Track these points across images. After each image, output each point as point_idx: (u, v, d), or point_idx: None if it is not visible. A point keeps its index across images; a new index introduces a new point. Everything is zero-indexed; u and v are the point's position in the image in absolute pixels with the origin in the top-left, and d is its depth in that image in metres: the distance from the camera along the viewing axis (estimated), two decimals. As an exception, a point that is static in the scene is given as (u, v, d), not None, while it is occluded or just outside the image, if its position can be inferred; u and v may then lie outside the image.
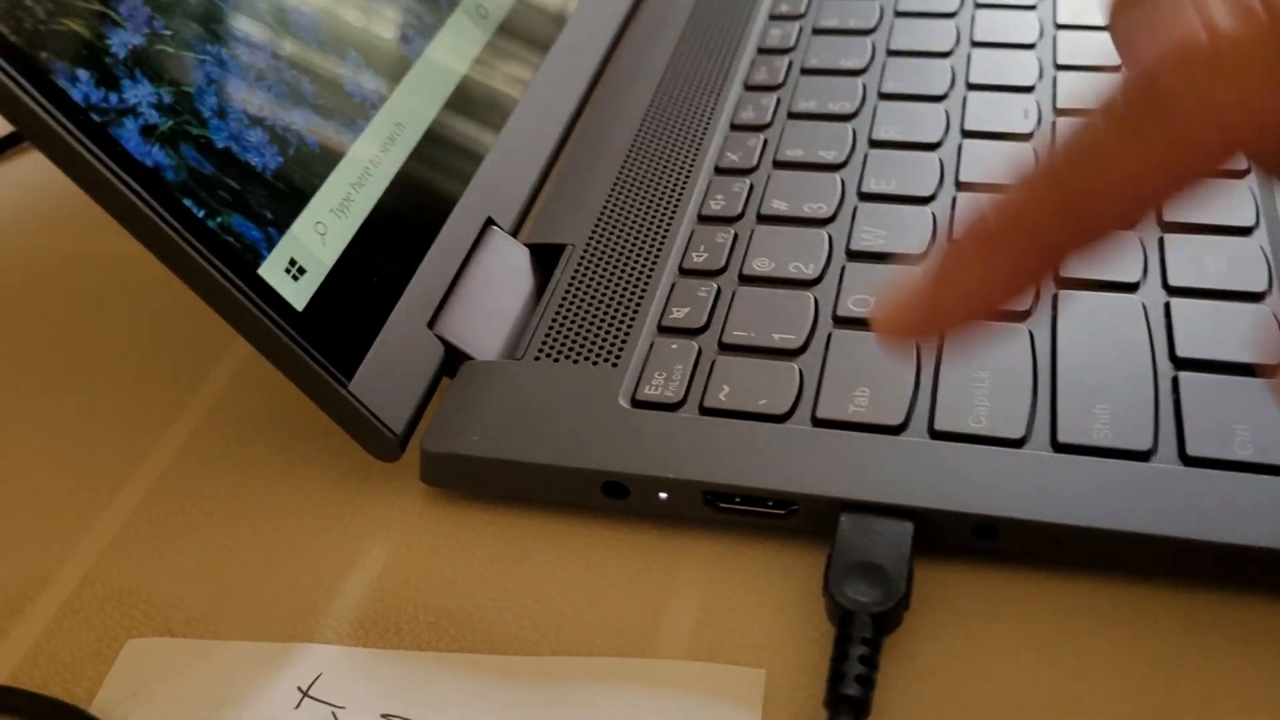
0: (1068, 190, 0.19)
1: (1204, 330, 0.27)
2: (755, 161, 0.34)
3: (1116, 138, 0.19)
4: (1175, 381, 0.26)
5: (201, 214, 0.25)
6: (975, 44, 0.37)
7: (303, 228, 0.27)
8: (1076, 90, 0.35)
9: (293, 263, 0.26)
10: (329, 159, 0.28)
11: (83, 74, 0.24)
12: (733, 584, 0.26)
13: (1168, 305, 0.28)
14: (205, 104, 0.26)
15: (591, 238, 0.32)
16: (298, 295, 0.26)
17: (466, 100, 0.34)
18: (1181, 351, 0.26)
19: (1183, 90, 0.18)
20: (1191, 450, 0.24)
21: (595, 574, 0.26)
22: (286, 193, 0.27)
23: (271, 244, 0.26)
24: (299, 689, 0.24)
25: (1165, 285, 0.28)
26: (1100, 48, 0.36)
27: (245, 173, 0.26)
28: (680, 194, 0.33)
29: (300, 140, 0.28)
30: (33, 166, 0.43)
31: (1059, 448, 0.25)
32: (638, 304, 0.30)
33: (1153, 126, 0.18)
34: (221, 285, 0.25)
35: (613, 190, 0.34)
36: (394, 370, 0.27)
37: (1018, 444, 0.25)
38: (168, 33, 0.26)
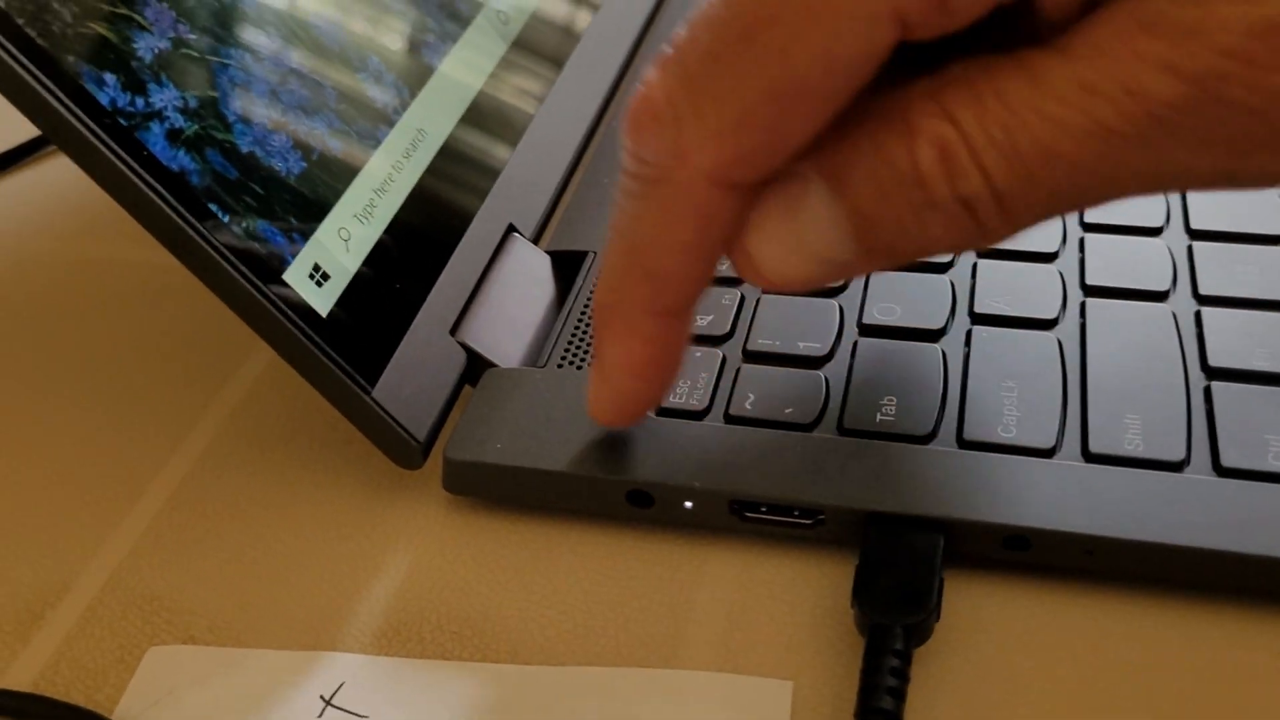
0: (628, 259, 0.21)
1: (1236, 339, 0.27)
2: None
3: (632, 205, 0.20)
4: (1208, 391, 0.26)
5: (227, 219, 0.25)
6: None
7: (327, 233, 0.27)
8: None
9: (317, 268, 0.26)
10: (352, 165, 0.28)
11: (109, 78, 0.24)
12: (759, 594, 0.25)
13: (1198, 314, 0.27)
14: (230, 109, 0.26)
15: (614, 245, 0.32)
16: (322, 301, 0.26)
17: (487, 107, 0.34)
18: (1214, 361, 0.26)
19: (645, 150, 0.20)
20: (1226, 461, 0.24)
21: (619, 583, 0.26)
22: (310, 198, 0.27)
23: (296, 250, 0.26)
24: (322, 698, 0.24)
25: (1195, 294, 0.28)
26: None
27: (269, 178, 0.26)
28: (703, 201, 0.33)
29: (323, 146, 0.28)
30: (59, 172, 0.43)
31: (1090, 458, 0.24)
32: (661, 311, 0.30)
33: (648, 189, 0.20)
34: (246, 291, 0.25)
35: (635, 197, 0.33)
36: (417, 377, 0.27)
37: (1048, 454, 0.25)
38: (192, 37, 0.26)
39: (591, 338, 0.29)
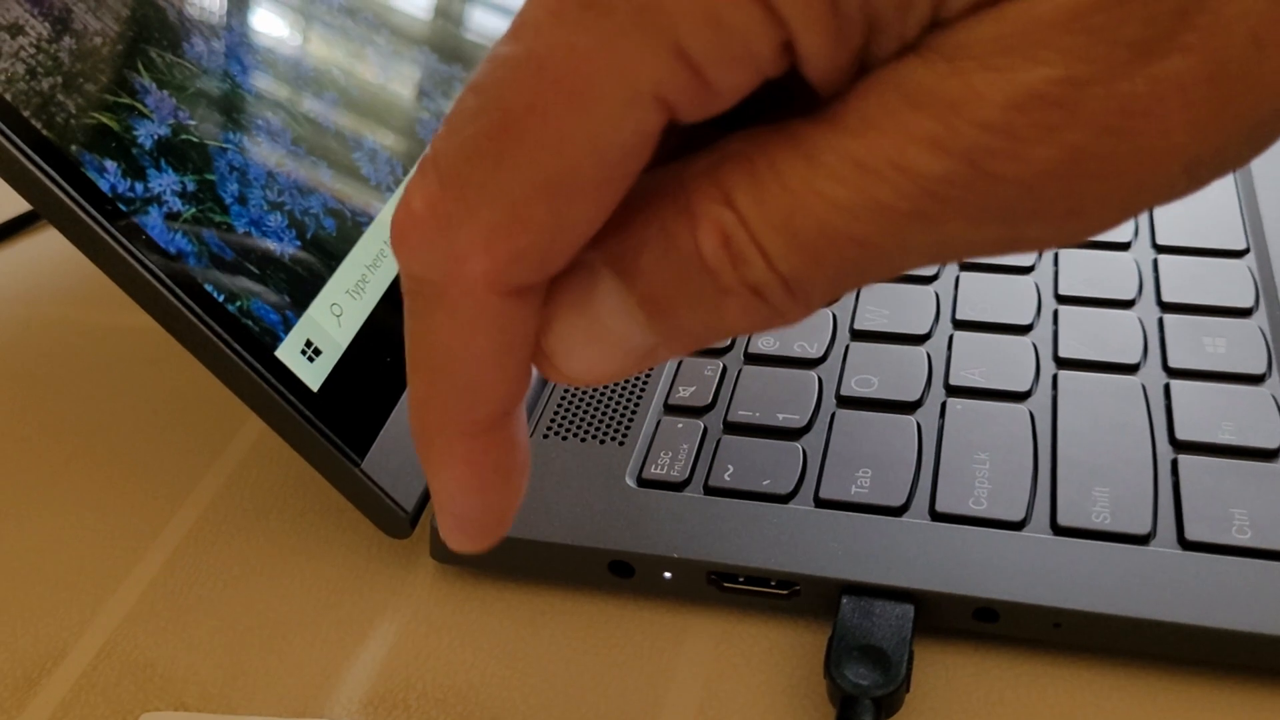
0: (429, 381, 0.19)
1: (1203, 413, 0.27)
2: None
3: (419, 324, 0.19)
4: (1174, 464, 0.26)
5: (221, 298, 0.26)
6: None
7: (319, 309, 0.28)
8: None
9: (309, 344, 0.27)
10: (345, 241, 0.29)
11: (110, 165, 0.25)
12: (736, 663, 0.26)
13: (1167, 386, 0.28)
14: (227, 191, 0.27)
15: (601, 315, 0.33)
16: (313, 376, 0.27)
17: (480, 181, 0.34)
18: (1181, 434, 0.27)
19: (415, 264, 0.18)
20: (1190, 534, 0.25)
21: (601, 652, 0.27)
22: (304, 276, 0.28)
23: (289, 326, 0.27)
24: (308, 766, 0.25)
25: (1165, 366, 0.29)
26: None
27: (265, 257, 0.27)
28: (688, 272, 0.34)
29: (318, 224, 0.29)
30: (58, 241, 0.44)
31: (1059, 530, 0.25)
32: (644, 383, 0.30)
33: (430, 305, 0.18)
34: (239, 368, 0.25)
35: (622, 268, 0.34)
36: (405, 448, 0.28)
37: (1018, 526, 0.25)
38: (192, 123, 0.27)
39: (568, 411, 0.30)
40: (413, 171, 0.18)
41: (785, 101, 0.18)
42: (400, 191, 0.18)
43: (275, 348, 0.26)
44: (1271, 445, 0.26)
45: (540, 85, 0.16)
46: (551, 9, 0.16)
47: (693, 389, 0.30)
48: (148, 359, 0.37)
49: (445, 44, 0.36)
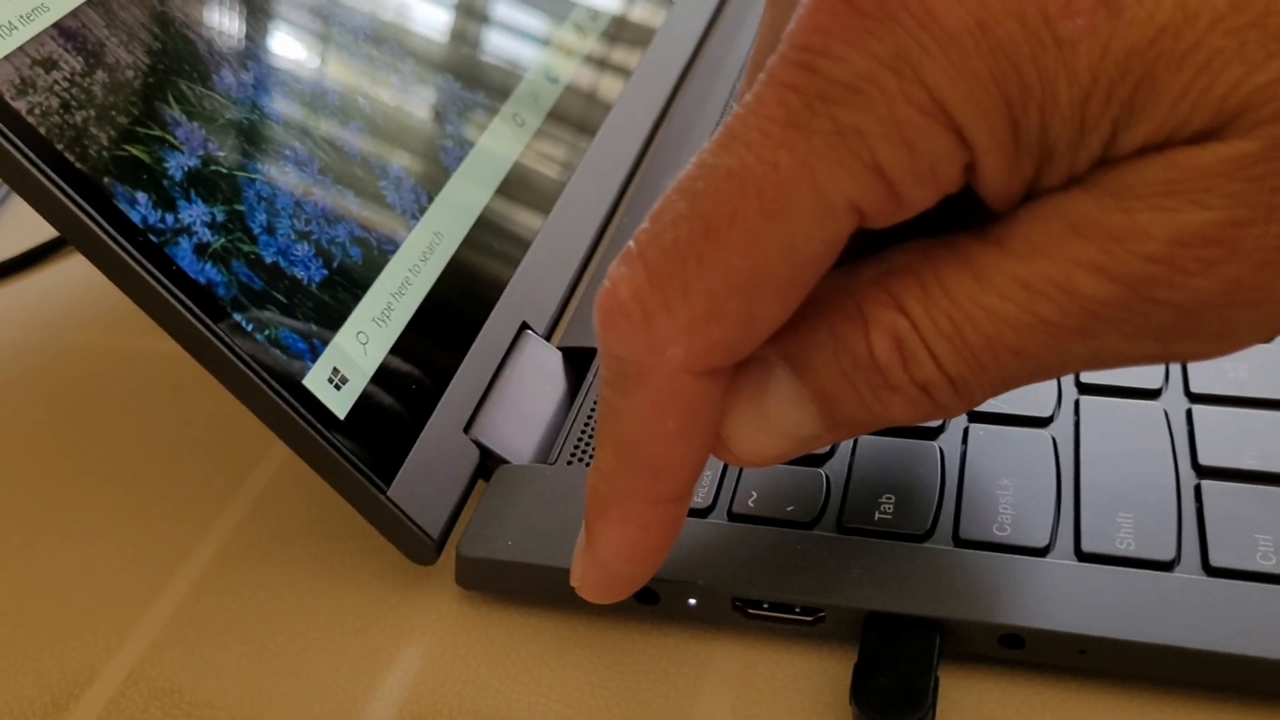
0: (620, 453, 0.21)
1: (1226, 438, 0.27)
2: (782, 265, 0.35)
3: (616, 400, 0.21)
4: (1198, 490, 0.26)
5: (250, 328, 0.26)
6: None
7: (345, 337, 0.28)
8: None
9: (335, 372, 0.27)
10: (371, 270, 0.30)
11: (141, 196, 0.25)
12: (761, 690, 0.26)
13: (1189, 412, 0.28)
14: (255, 221, 0.27)
15: (623, 341, 0.33)
16: (339, 404, 0.27)
17: (503, 208, 0.35)
18: (1204, 460, 0.27)
19: (618, 348, 0.20)
20: (1215, 561, 0.25)
21: (626, 678, 0.27)
22: (331, 304, 0.28)
23: (316, 355, 0.27)
24: (335, 793, 0.25)
25: (1187, 392, 0.29)
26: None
27: (292, 286, 0.27)
28: (709, 298, 0.34)
29: (345, 252, 0.29)
30: (86, 266, 0.44)
31: (1083, 556, 0.25)
32: (668, 408, 0.31)
33: (628, 384, 0.20)
34: (267, 396, 0.26)
35: (644, 294, 0.35)
36: (431, 475, 0.28)
37: (1042, 553, 0.25)
38: (221, 154, 0.27)
39: (593, 437, 0.30)
40: (616, 260, 0.20)
41: (945, 218, 0.20)
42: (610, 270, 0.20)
43: (303, 376, 0.27)
44: (1296, 471, 0.26)
45: (744, 197, 0.18)
46: (759, 127, 0.18)
47: (715, 415, 0.30)
48: (172, 385, 0.38)
49: (468, 71, 0.37)
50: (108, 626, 0.30)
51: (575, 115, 0.40)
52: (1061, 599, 0.24)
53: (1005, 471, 0.27)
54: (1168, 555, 0.25)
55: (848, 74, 0.18)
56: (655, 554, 0.23)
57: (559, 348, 0.34)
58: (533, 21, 0.41)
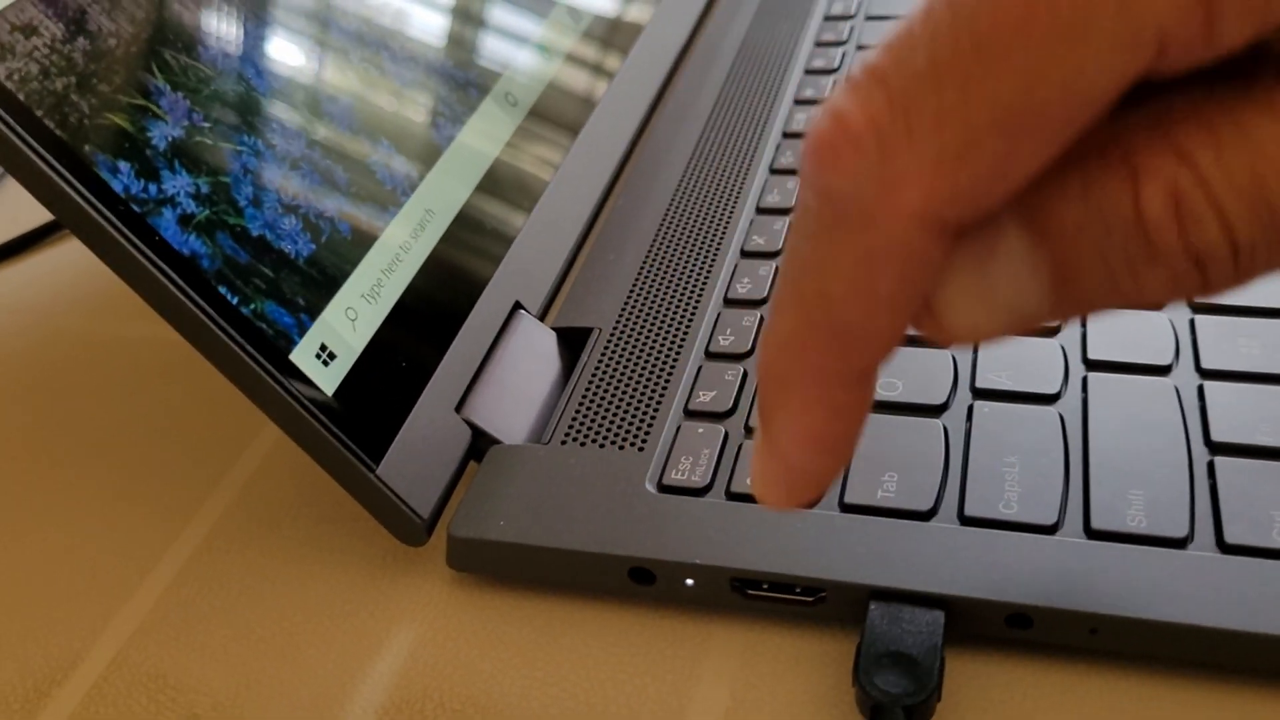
0: (811, 315, 0.18)
1: (1239, 414, 0.26)
2: (781, 244, 0.34)
3: (816, 251, 0.17)
4: (1211, 466, 0.25)
5: (235, 301, 0.25)
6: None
7: (334, 313, 0.27)
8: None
9: (323, 348, 0.27)
10: (361, 245, 0.29)
11: (124, 166, 0.24)
12: (762, 672, 0.25)
13: (1201, 388, 0.27)
14: (241, 193, 0.27)
15: (618, 321, 0.32)
16: (328, 381, 0.26)
17: (495, 185, 0.34)
18: (1217, 436, 0.26)
19: (838, 183, 0.17)
20: (1229, 538, 0.24)
21: (622, 661, 0.26)
22: (319, 279, 0.27)
23: (303, 330, 0.26)
24: (322, 778, 0.24)
25: (1198, 368, 0.28)
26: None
27: (279, 260, 0.27)
28: (707, 277, 0.33)
29: (333, 227, 0.28)
30: (79, 251, 0.44)
31: (1093, 534, 0.24)
32: (664, 387, 0.30)
33: (838, 231, 0.17)
34: (253, 371, 0.25)
35: (640, 273, 0.34)
36: (421, 455, 0.28)
37: (1050, 530, 0.25)
38: (206, 125, 0.26)
39: (587, 416, 0.29)
40: (841, 86, 0.17)
41: (1229, 76, 0.17)
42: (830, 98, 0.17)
43: (290, 351, 0.26)
44: (1311, 446, 0.25)
45: (1033, 10, 0.15)
46: None
47: (713, 393, 0.29)
48: (161, 370, 0.37)
49: (463, 46, 0.36)
50: (92, 612, 0.29)
51: (571, 94, 0.39)
52: (1071, 577, 0.24)
53: (1011, 449, 0.27)
54: (1181, 532, 0.24)
55: None
56: (845, 445, 0.19)
57: (553, 328, 0.33)
58: None
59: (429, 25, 0.35)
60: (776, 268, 0.33)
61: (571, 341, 0.33)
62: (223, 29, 0.28)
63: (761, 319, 0.32)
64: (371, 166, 0.30)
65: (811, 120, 0.17)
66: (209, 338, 0.25)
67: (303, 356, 0.26)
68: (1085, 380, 0.28)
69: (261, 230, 0.27)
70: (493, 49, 0.37)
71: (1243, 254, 0.16)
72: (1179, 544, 0.24)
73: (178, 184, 0.25)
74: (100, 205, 0.23)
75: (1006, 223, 0.17)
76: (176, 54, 0.27)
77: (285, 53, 0.29)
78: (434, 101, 0.33)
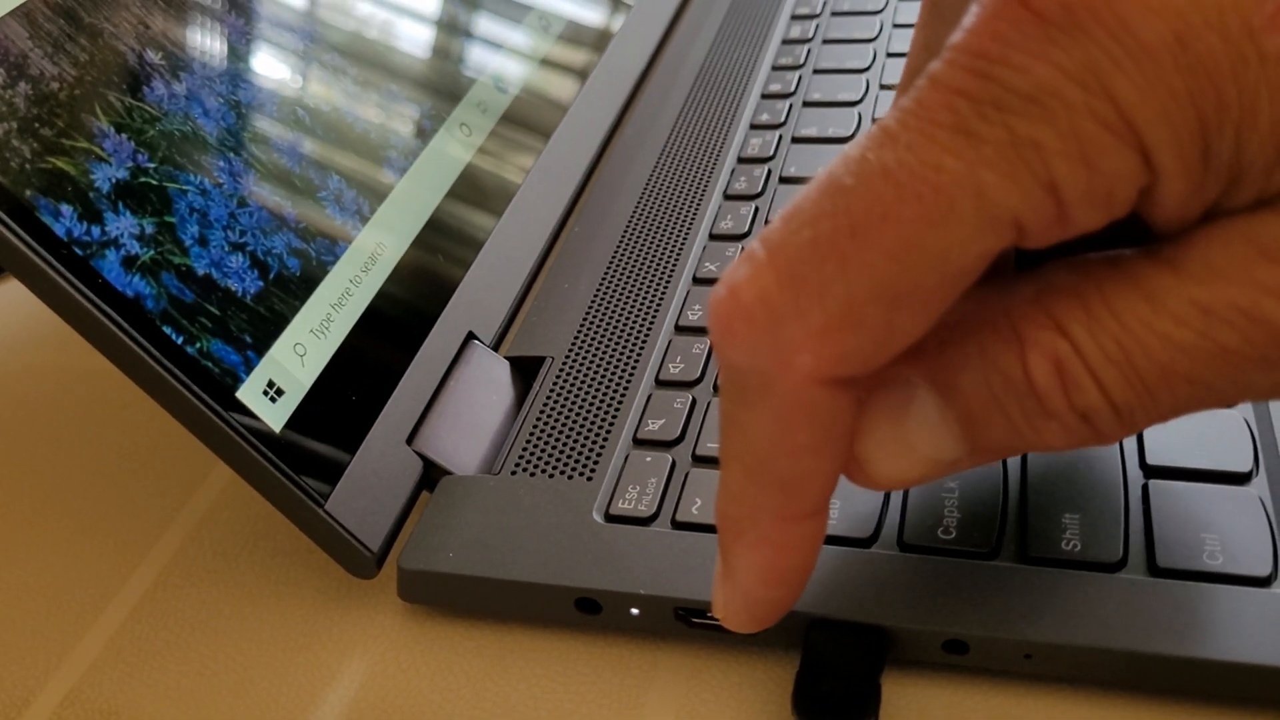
0: (749, 470, 0.20)
1: (1175, 437, 0.27)
2: (733, 271, 0.35)
3: (739, 414, 0.19)
4: (1145, 490, 0.26)
5: (180, 340, 0.26)
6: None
7: (282, 350, 0.28)
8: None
9: (271, 384, 0.27)
10: (310, 281, 0.29)
11: (66, 209, 0.25)
12: (706, 699, 0.25)
13: (1138, 411, 0.28)
14: (187, 233, 0.27)
15: (571, 350, 0.33)
16: (275, 417, 0.27)
17: (449, 217, 0.34)
18: (1152, 459, 0.26)
19: (740, 355, 0.18)
20: (1161, 561, 0.24)
21: (570, 691, 0.26)
22: (266, 316, 0.28)
23: (250, 367, 0.27)
24: (270, 814, 0.24)
25: (1136, 391, 0.28)
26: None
27: (226, 298, 0.27)
28: (659, 305, 0.34)
29: (281, 264, 0.29)
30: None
31: (1028, 559, 0.25)
32: (614, 416, 0.30)
33: (752, 397, 0.19)
34: (199, 410, 0.25)
35: (593, 301, 0.34)
36: (372, 488, 0.28)
37: (988, 556, 0.25)
38: (151, 165, 0.27)
39: (537, 447, 0.30)
40: (735, 263, 0.19)
41: (1103, 239, 0.19)
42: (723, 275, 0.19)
43: (236, 389, 0.26)
44: (1244, 468, 0.26)
45: (901, 199, 0.17)
46: (922, 130, 0.17)
47: (662, 422, 0.30)
48: (120, 403, 0.37)
49: (414, 78, 0.36)
50: (46, 649, 0.29)
51: (526, 122, 0.40)
52: (1006, 603, 0.24)
53: (952, 475, 0.27)
54: (1114, 556, 0.24)
55: (1028, 84, 0.16)
56: (798, 575, 0.21)
57: (507, 357, 0.33)
58: (484, 26, 0.41)
59: (382, 54, 0.36)
60: (727, 294, 0.34)
61: (525, 371, 0.33)
62: (168, 69, 0.28)
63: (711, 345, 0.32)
64: (322, 202, 0.31)
65: (712, 292, 0.19)
66: (154, 378, 0.25)
67: (249, 394, 0.26)
68: (1026, 404, 0.28)
69: (207, 269, 0.27)
70: (449, 81, 0.38)
71: (1123, 412, 0.18)
72: (1112, 568, 0.24)
73: (121, 225, 0.26)
74: (41, 249, 0.24)
75: (917, 383, 0.19)
76: (121, 95, 0.27)
77: (232, 91, 0.30)
78: (387, 136, 0.34)
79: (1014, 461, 0.27)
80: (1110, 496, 0.26)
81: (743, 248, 0.36)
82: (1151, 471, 0.26)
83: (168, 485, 0.34)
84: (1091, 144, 0.16)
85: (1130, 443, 0.27)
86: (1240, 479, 0.26)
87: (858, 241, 0.17)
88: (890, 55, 0.44)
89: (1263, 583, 0.24)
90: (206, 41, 0.29)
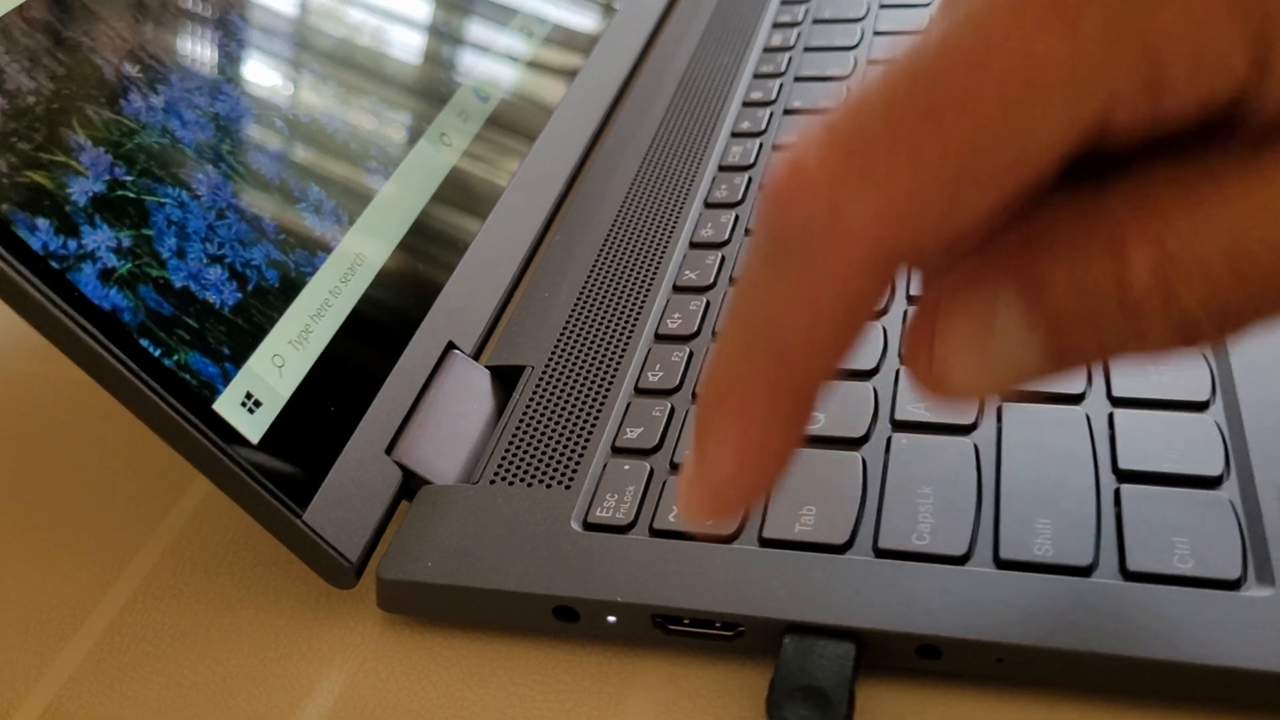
0: (753, 336, 0.19)
1: (1147, 441, 0.27)
2: (713, 279, 0.35)
3: (766, 279, 0.18)
4: (1117, 494, 0.26)
5: (158, 353, 0.26)
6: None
7: (260, 361, 0.28)
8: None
9: (249, 396, 0.27)
10: (288, 292, 0.29)
11: (43, 223, 0.25)
12: (685, 707, 0.26)
13: (1111, 416, 0.28)
14: (164, 245, 0.27)
15: (551, 358, 0.33)
16: (253, 428, 0.27)
17: (430, 227, 0.35)
18: (1124, 463, 0.27)
19: (790, 219, 0.18)
20: (1131, 565, 0.24)
21: (550, 699, 0.26)
22: (244, 328, 0.28)
23: (228, 379, 0.27)
24: (248, 824, 0.24)
25: (1110, 396, 0.29)
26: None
27: (204, 310, 0.27)
28: (639, 313, 0.34)
29: (260, 276, 0.29)
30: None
31: (1001, 564, 0.25)
32: (593, 425, 0.30)
33: (788, 261, 0.18)
34: (176, 423, 0.25)
35: (574, 310, 0.34)
36: (350, 498, 0.28)
37: (960, 561, 0.25)
38: (129, 179, 0.27)
39: (515, 456, 0.30)
40: (798, 135, 0.18)
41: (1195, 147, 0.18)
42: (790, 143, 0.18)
43: (213, 401, 0.26)
44: (1214, 472, 0.26)
45: (986, 77, 0.16)
46: (1011, 8, 0.16)
47: (640, 430, 0.30)
48: (100, 414, 0.37)
49: (394, 86, 0.37)
50: (25, 662, 0.29)
51: (508, 130, 0.40)
52: (979, 607, 0.24)
53: (927, 480, 0.27)
54: (1085, 560, 0.25)
55: None
56: (770, 465, 0.20)
57: (487, 366, 0.33)
58: (466, 33, 0.41)
59: (363, 63, 0.36)
60: (708, 302, 0.34)
61: (506, 380, 0.33)
62: (145, 82, 0.28)
63: (691, 354, 0.32)
64: (301, 213, 0.31)
65: (771, 168, 0.18)
66: (131, 390, 0.25)
67: (227, 406, 0.27)
68: (1000, 410, 0.29)
69: (185, 281, 0.27)
70: (426, 92, 0.38)
71: (1227, 316, 0.17)
72: (1084, 572, 0.24)
73: (98, 239, 0.26)
74: (17, 263, 0.24)
75: (1002, 284, 0.18)
76: (98, 109, 0.27)
77: (210, 103, 0.30)
78: (366, 147, 0.34)
79: (989, 464, 0.27)
80: (1083, 500, 0.26)
81: (722, 257, 0.36)
82: (1124, 476, 0.26)
83: (148, 496, 0.34)
84: (1204, 31, 0.15)
85: (1103, 446, 0.27)
86: (1211, 483, 0.26)
87: (933, 120, 0.17)
88: (870, 62, 0.44)
89: (1232, 586, 0.24)
90: (185, 53, 0.30)
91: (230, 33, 0.31)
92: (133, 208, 0.27)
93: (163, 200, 0.27)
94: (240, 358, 0.27)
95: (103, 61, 0.28)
